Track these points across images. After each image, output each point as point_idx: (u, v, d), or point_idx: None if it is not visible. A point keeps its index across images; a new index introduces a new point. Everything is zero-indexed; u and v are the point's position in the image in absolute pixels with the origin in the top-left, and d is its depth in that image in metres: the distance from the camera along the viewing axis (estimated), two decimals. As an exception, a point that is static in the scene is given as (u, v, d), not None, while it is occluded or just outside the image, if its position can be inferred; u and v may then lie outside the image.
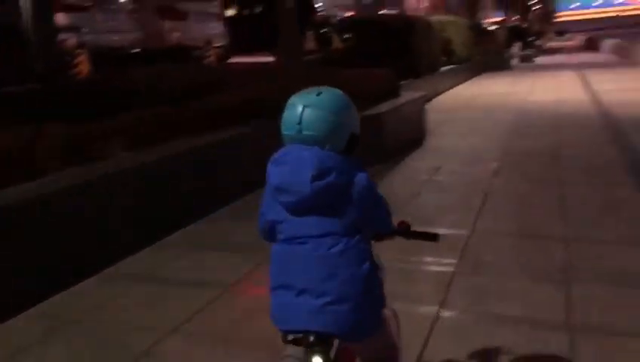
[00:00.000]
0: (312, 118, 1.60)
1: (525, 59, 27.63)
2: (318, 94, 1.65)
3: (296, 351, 1.65)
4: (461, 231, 4.22)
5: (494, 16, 46.90)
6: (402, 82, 9.03)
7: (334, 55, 11.95)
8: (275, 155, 1.67)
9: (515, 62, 26.01)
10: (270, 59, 13.35)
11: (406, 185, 5.77)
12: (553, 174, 5.99)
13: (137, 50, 9.42)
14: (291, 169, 1.60)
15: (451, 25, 17.35)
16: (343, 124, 1.65)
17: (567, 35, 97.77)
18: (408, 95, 8.02)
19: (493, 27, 33.21)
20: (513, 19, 53.19)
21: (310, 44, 14.06)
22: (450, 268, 3.64)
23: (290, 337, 1.63)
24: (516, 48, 29.91)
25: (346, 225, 1.60)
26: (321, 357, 1.59)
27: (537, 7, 70.97)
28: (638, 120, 8.70)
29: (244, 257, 4.03)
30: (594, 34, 76.16)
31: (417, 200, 5.23)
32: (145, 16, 10.22)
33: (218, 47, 12.00)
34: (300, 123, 1.61)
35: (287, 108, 1.66)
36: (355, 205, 1.60)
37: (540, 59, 28.89)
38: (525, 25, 54.71)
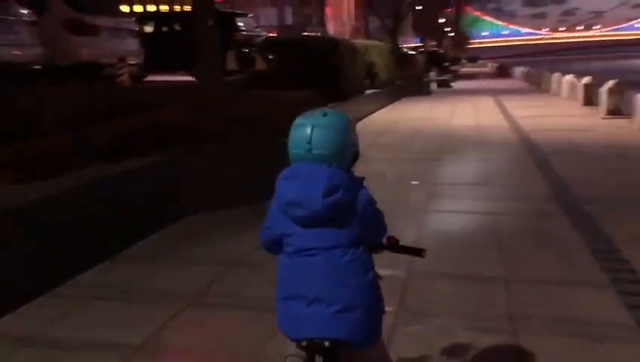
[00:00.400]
0: (321, 137, 1.70)
1: (443, 84, 28.48)
2: (324, 115, 1.75)
3: (299, 351, 1.71)
4: (399, 273, 3.87)
5: (413, 42, 48.45)
6: (330, 105, 8.76)
7: (257, 76, 11.52)
8: (285, 173, 1.76)
9: (433, 87, 26.71)
10: (189, 79, 12.73)
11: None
12: (485, 205, 5.84)
13: (39, 66, 8.52)
14: (303, 185, 1.69)
15: (374, 49, 17.45)
16: (348, 143, 1.78)
17: (480, 62, 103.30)
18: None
19: (412, 52, 34.20)
20: (430, 45, 55.22)
21: (232, 64, 13.54)
22: (390, 319, 3.26)
23: (305, 343, 1.68)
24: (434, 73, 30.81)
25: (352, 237, 1.72)
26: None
27: (452, 34, 74.25)
28: (556, 146, 8.90)
29: (159, 308, 3.48)
30: (504, 61, 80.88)
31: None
32: (50, 29, 9.33)
33: (133, 64, 11.22)
34: (309, 142, 1.70)
35: (295, 129, 1.74)
36: (359, 219, 1.72)
37: (457, 85, 29.91)
38: (441, 51, 56.97)
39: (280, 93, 7.66)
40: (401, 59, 24.49)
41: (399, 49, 29.64)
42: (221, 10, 13.92)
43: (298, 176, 1.73)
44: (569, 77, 17.91)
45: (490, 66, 71.70)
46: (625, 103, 12.55)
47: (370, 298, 1.73)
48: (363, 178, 1.85)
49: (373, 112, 15.90)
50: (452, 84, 29.64)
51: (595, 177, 6.72)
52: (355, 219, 1.73)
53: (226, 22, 13.73)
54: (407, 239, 2.07)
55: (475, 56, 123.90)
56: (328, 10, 51.83)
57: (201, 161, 5.50)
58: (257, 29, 16.69)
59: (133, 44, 11.37)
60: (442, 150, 8.99)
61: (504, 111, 14.92)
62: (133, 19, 13.94)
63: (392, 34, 27.82)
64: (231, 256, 4.44)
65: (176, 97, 6.89)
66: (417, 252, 1.92)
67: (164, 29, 15.35)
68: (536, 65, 41.49)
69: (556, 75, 20.07)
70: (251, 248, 4.44)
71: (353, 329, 1.68)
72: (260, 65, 12.51)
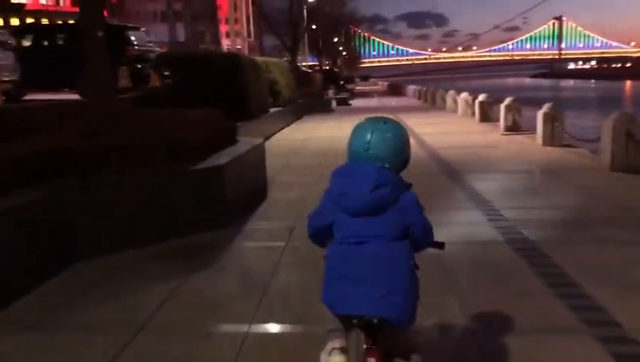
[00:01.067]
0: (379, 140, 1.98)
1: (342, 102, 28.67)
2: (384, 122, 2.04)
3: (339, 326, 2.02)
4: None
5: (309, 61, 48.85)
6: (237, 124, 8.04)
7: (152, 94, 10.54)
8: (341, 168, 2.03)
9: (333, 105, 26.75)
10: (75, 97, 11.44)
11: (261, 260, 4.70)
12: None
13: None
14: (355, 179, 1.95)
15: (276, 66, 16.97)
16: (403, 149, 2.05)
17: (371, 80, 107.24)
18: (247, 141, 7.02)
19: (310, 71, 34.28)
20: (325, 64, 56.07)
21: (124, 81, 12.42)
22: None
23: (355, 320, 1.92)
24: (332, 92, 31.03)
25: (396, 231, 1.95)
26: (373, 339, 1.93)
27: (345, 53, 76.20)
28: (465, 163, 8.84)
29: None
30: (394, 80, 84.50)
31: (279, 281, 4.18)
32: None
33: (6, 81, 9.84)
34: (368, 143, 1.98)
35: (357, 130, 2.03)
36: (401, 215, 1.95)
37: (355, 103, 30.28)
38: (337, 70, 58.04)
39: (179, 111, 6.84)
40: (300, 77, 24.28)
41: (298, 67, 29.51)
42: (111, 24, 12.78)
43: (352, 170, 1.98)
44: (464, 95, 18.53)
45: (381, 85, 74.59)
46: (521, 119, 13.04)
47: (410, 284, 1.95)
48: (411, 184, 2.05)
49: (280, 131, 15.38)
50: (350, 102, 29.98)
51: (517, 194, 6.59)
52: (400, 214, 1.95)
53: (117, 35, 12.61)
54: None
55: (367, 75, 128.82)
56: (223, 27, 51.02)
57: (88, 195, 4.60)
58: (150, 44, 15.60)
59: (5, 58, 9.99)
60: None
61: (408, 128, 14.99)
62: (7, 31, 12.42)
63: (292, 52, 27.57)
64: (134, 319, 3.51)
65: (62, 119, 5.87)
66: (440, 245, 2.15)
67: (45, 42, 13.83)
68: (422, 83, 43.49)
69: (451, 93, 20.74)
70: (157, 304, 3.66)
71: (396, 310, 1.89)
72: (155, 81, 11.52)
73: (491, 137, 12.28)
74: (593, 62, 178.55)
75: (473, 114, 17.66)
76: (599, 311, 3.37)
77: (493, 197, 6.42)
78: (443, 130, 14.20)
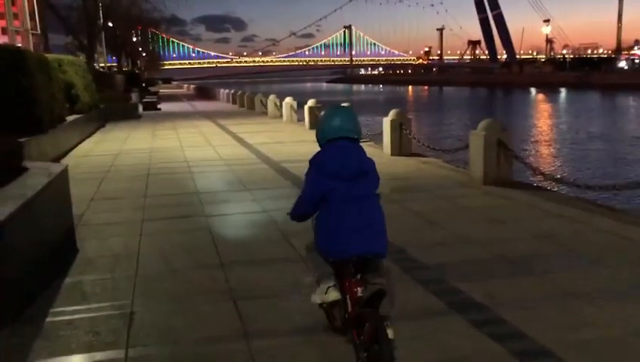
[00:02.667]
0: (350, 119, 2.68)
1: (150, 106, 25.84)
2: (346, 109, 2.79)
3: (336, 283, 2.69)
4: None
5: (108, 62, 44.01)
6: (21, 140, 5.67)
7: None
8: (330, 149, 2.62)
9: (140, 109, 23.89)
10: None
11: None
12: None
13: None
14: (345, 154, 2.58)
15: (71, 66, 14.05)
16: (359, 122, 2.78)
17: (174, 83, 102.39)
18: (40, 169, 4.76)
19: (111, 72, 30.50)
20: (125, 65, 51.39)
21: None
22: None
23: (355, 258, 2.49)
24: (135, 95, 27.87)
25: (374, 189, 2.62)
26: (362, 272, 2.51)
27: (145, 54, 71.46)
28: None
29: None
30: (201, 82, 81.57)
31: None
32: None
33: None
34: (342, 122, 2.66)
35: (330, 117, 2.69)
36: (375, 178, 2.64)
37: (163, 107, 27.62)
38: (138, 71, 53.64)
39: None
40: (101, 79, 21.09)
41: (96, 68, 25.91)
42: None
43: (340, 148, 2.60)
44: (288, 99, 17.49)
45: (187, 87, 71.24)
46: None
47: (384, 226, 2.62)
48: None
49: (81, 143, 12.64)
50: (159, 106, 27.24)
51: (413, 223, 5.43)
52: (374, 178, 2.64)
53: None
54: None
55: (169, 78, 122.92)
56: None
57: None
58: None
59: None
60: (200, 199, 6.73)
61: (236, 137, 13.38)
62: None
63: (88, 51, 23.95)
64: None
65: None
66: None
67: None
68: (227, 86, 42.35)
69: (272, 98, 19.61)
70: None
71: (383, 245, 2.58)
72: None
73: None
74: (381, 69, 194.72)
75: (299, 120, 16.75)
76: None
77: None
78: (276, 139, 12.87)
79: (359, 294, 2.40)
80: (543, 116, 37.75)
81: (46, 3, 24.78)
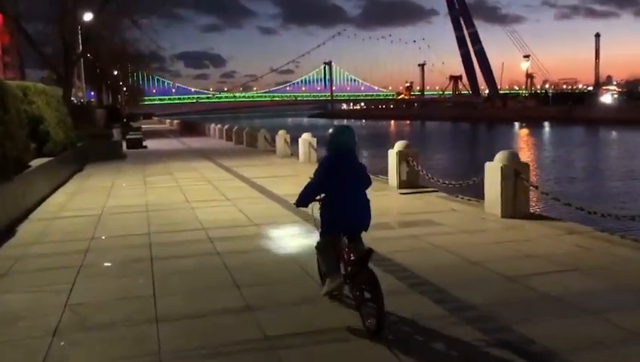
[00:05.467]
0: (351, 137, 3.85)
1: (135, 144, 22.78)
2: (348, 128, 3.96)
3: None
4: None
5: (86, 96, 40.72)
6: None
7: None
8: (338, 157, 3.77)
9: (124, 147, 20.90)
10: None
11: None
12: None
13: None
14: (348, 161, 3.77)
15: (41, 95, 11.10)
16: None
17: (155, 118, 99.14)
18: None
19: (91, 105, 27.50)
20: (106, 99, 48.35)
21: None
22: None
23: (352, 230, 3.81)
24: (117, 131, 24.81)
25: (366, 185, 3.83)
26: (353, 241, 3.84)
27: (125, 88, 68.67)
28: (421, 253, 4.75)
29: None
30: (184, 118, 78.96)
31: None
32: None
33: None
34: (347, 139, 3.83)
35: (338, 135, 3.83)
36: (364, 178, 3.82)
37: (151, 144, 24.64)
38: (119, 106, 50.65)
39: None
40: (79, 113, 18.12)
41: (73, 101, 22.90)
42: None
43: (343, 155, 3.76)
44: (306, 135, 14.65)
45: (169, 123, 68.03)
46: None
47: (370, 209, 3.80)
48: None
49: (52, 194, 9.60)
50: (145, 143, 24.23)
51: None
52: (364, 178, 3.83)
53: None
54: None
55: (150, 113, 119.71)
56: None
57: None
58: None
59: None
60: (259, 320, 3.87)
61: (254, 185, 10.43)
62: None
63: (65, 81, 20.94)
64: None
65: None
66: None
67: None
68: (209, 122, 40.44)
69: (282, 133, 16.78)
70: None
71: (368, 222, 3.79)
72: None
73: (397, 200, 8.48)
74: (362, 104, 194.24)
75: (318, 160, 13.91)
76: None
77: None
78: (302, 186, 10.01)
79: (352, 257, 3.77)
80: (539, 149, 36.87)
81: (21, 33, 21.90)
